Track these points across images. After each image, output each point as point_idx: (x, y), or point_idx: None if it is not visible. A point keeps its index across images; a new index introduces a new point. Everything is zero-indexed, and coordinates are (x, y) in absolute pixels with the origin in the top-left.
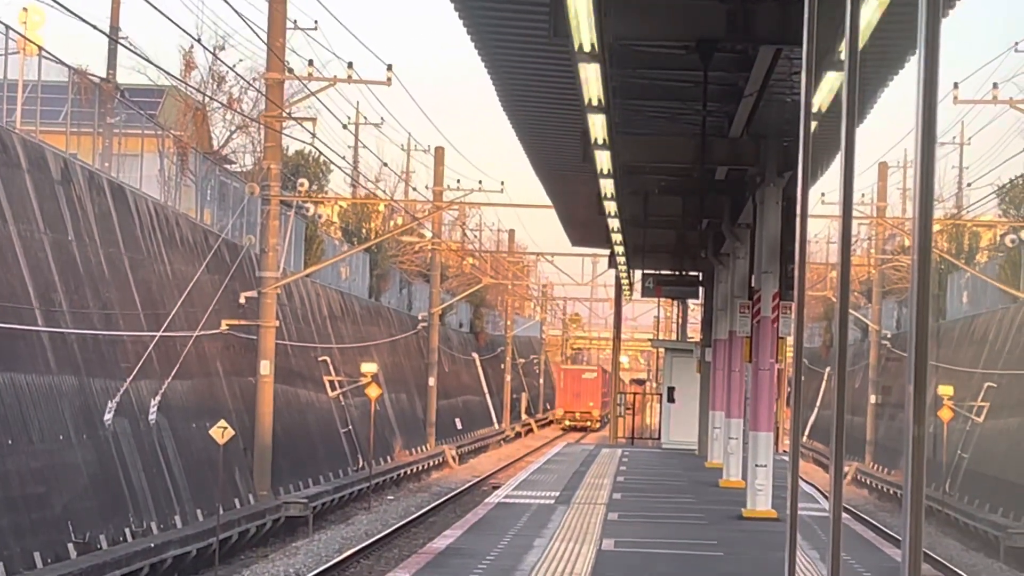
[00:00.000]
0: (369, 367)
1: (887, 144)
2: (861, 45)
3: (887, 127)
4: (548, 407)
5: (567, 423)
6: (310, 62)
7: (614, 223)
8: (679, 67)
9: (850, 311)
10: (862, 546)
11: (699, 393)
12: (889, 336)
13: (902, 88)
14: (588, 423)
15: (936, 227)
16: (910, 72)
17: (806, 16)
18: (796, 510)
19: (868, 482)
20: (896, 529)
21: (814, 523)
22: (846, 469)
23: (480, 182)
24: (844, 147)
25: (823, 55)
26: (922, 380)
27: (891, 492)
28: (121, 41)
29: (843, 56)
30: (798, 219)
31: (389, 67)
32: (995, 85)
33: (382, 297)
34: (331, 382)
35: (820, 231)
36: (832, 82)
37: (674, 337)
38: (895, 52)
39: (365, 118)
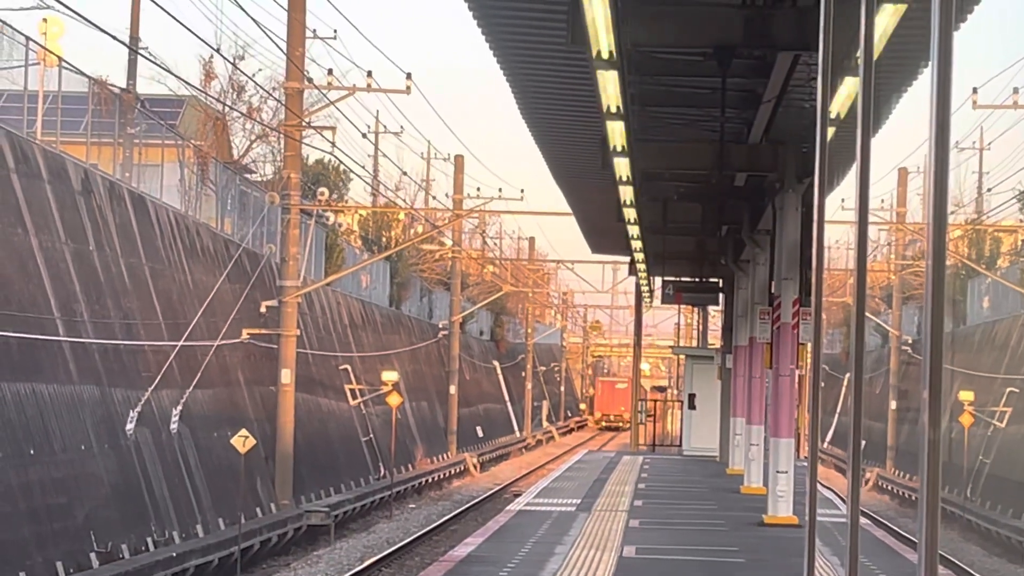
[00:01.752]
0: (390, 375)
1: (907, 149)
2: (878, 51)
3: (907, 132)
4: (569, 414)
5: (603, 423)
6: (329, 71)
7: (633, 230)
8: (697, 73)
9: (871, 317)
10: (883, 551)
11: (720, 400)
12: (910, 341)
13: (921, 93)
14: (620, 423)
15: (956, 232)
16: (928, 77)
17: (822, 23)
18: (815, 516)
19: (889, 488)
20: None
21: (835, 529)
22: (867, 475)
23: (500, 190)
24: (860, 154)
25: (840, 61)
26: (937, 385)
27: (912, 497)
28: (141, 51)
29: (859, 62)
30: (815, 225)
31: (408, 76)
32: (1015, 90)
33: (403, 305)
34: (352, 391)
35: (840, 237)
36: (850, 88)
37: (695, 344)
38: (913, 58)
39: (385, 127)
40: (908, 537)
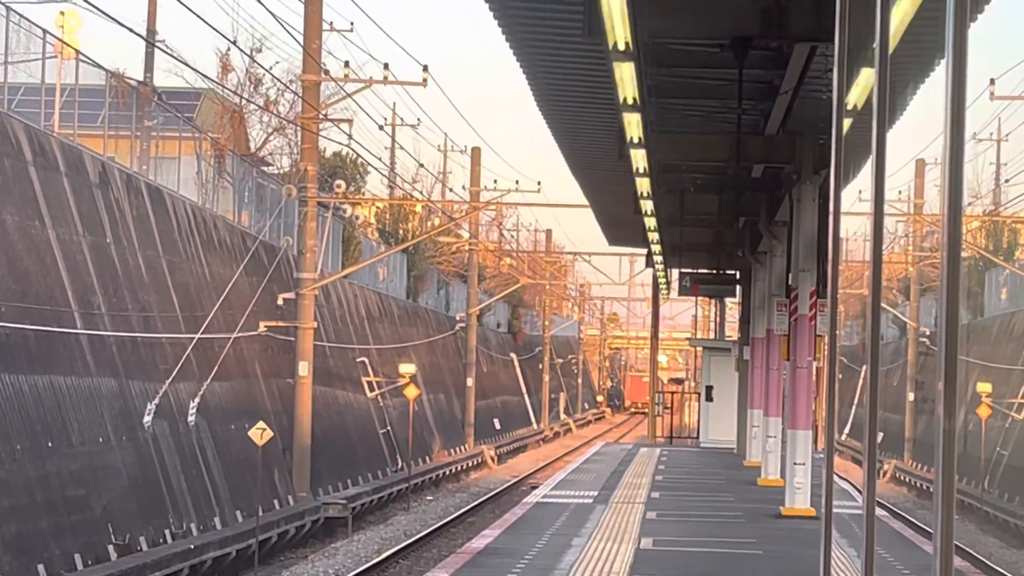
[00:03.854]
0: (407, 368)
1: (925, 140)
2: (896, 41)
3: (925, 123)
4: (586, 406)
5: (633, 409)
6: (346, 63)
7: (650, 222)
8: (714, 65)
9: (889, 309)
10: (900, 543)
11: (737, 392)
12: (928, 333)
13: (939, 84)
14: (647, 410)
15: (975, 224)
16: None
17: (837, 14)
18: (831, 507)
19: (907, 479)
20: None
21: (852, 520)
22: (885, 467)
23: (517, 182)
24: (875, 145)
25: (857, 52)
26: (952, 376)
27: (929, 489)
28: (158, 44)
29: (875, 54)
30: (831, 217)
31: (425, 68)
32: None
33: (420, 298)
34: (369, 383)
35: (858, 229)
36: (866, 79)
37: (712, 336)
38: (930, 48)
39: (401, 119)
40: (926, 529)
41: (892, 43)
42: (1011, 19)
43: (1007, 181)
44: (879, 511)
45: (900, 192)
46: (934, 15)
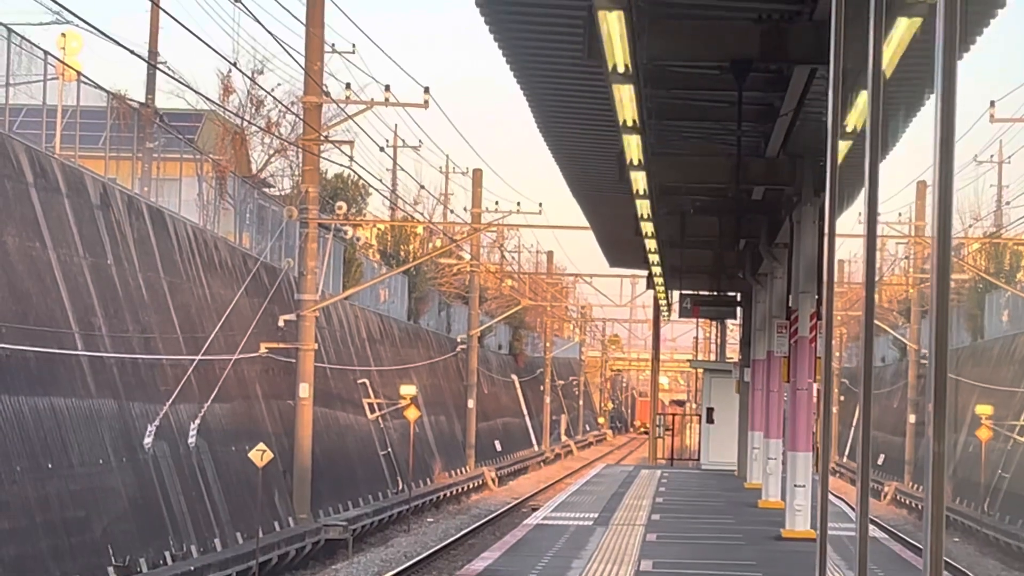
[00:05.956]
0: (408, 389)
1: (926, 162)
2: (891, 66)
3: (925, 144)
4: (587, 428)
5: (642, 430)
6: (348, 85)
7: (651, 244)
8: (714, 87)
9: (890, 331)
10: (899, 565)
11: (738, 413)
12: (927, 355)
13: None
14: None
15: (975, 246)
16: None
17: (832, 38)
18: (826, 528)
19: (907, 502)
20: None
21: (850, 542)
22: (886, 488)
23: (518, 204)
24: (868, 169)
25: (854, 76)
26: (942, 398)
27: None
28: (159, 66)
29: (868, 78)
30: (826, 239)
31: (426, 90)
32: None
33: (421, 319)
34: (370, 404)
35: (859, 251)
36: (863, 102)
37: (713, 358)
38: (924, 73)
39: (403, 141)
40: None
41: (888, 69)
42: (1012, 39)
43: (1008, 203)
44: (879, 533)
45: (900, 214)
46: (929, 39)
